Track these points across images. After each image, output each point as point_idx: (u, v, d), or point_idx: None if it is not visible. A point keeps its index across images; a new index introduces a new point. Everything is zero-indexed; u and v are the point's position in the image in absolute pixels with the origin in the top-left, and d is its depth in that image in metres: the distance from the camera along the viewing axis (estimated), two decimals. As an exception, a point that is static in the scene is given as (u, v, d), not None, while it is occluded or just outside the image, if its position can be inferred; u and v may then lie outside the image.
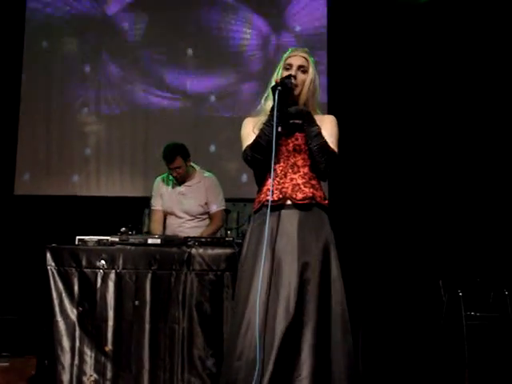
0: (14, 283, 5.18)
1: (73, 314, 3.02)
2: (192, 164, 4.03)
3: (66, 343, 2.99)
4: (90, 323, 3.01)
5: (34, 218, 5.45)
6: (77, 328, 3.00)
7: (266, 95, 2.56)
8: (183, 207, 3.93)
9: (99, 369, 2.97)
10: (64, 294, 3.03)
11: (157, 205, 4.00)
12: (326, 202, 2.51)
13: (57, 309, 3.01)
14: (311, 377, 2.22)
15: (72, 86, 5.69)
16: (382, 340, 4.53)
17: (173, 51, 5.71)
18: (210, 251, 3.08)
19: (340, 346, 2.32)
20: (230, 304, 2.93)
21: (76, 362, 2.98)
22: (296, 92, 2.50)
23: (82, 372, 2.97)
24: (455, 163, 5.47)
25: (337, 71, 5.61)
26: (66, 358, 2.98)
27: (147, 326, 2.99)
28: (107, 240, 3.16)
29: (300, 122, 2.50)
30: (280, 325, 2.25)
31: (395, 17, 5.63)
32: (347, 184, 5.40)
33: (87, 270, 3.06)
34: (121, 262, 3.06)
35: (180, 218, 3.93)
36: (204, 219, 3.99)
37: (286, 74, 2.51)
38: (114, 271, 3.05)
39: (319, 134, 2.46)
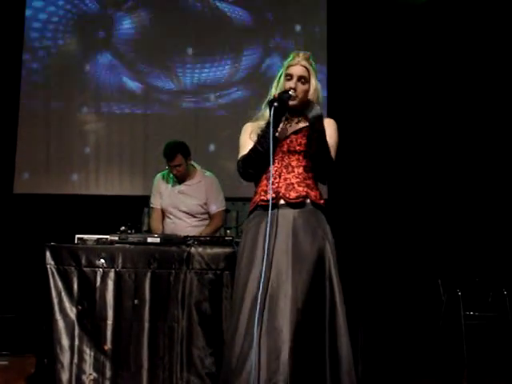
0: (14, 282, 5.17)
1: (72, 312, 3.02)
2: (193, 163, 4.02)
3: (65, 342, 2.99)
4: (90, 322, 3.01)
5: (33, 217, 5.45)
6: (76, 327, 3.00)
7: (266, 101, 2.54)
8: (183, 206, 3.92)
9: (98, 368, 2.97)
10: (63, 293, 3.03)
11: (156, 203, 3.99)
12: (322, 201, 2.50)
13: (56, 307, 3.01)
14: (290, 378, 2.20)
15: (72, 84, 5.68)
16: (381, 340, 4.53)
17: (172, 50, 5.71)
18: (209, 250, 3.08)
19: (338, 346, 2.32)
20: (229, 303, 2.93)
21: (75, 360, 2.98)
22: (296, 102, 2.48)
23: (81, 371, 2.97)
24: (454, 163, 5.47)
25: (336, 71, 5.61)
26: (65, 357, 2.98)
27: (146, 325, 2.99)
28: (106, 239, 3.16)
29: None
30: (272, 323, 2.25)
31: (394, 16, 5.63)
32: (346, 183, 5.39)
33: (86, 269, 3.06)
34: (120, 260, 3.06)
35: (179, 217, 3.93)
36: (203, 219, 3.98)
37: (286, 84, 2.49)
38: (113, 270, 3.05)
39: (328, 147, 2.46)
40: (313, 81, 2.52)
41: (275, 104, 2.39)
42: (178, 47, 5.71)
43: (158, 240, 3.16)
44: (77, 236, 3.18)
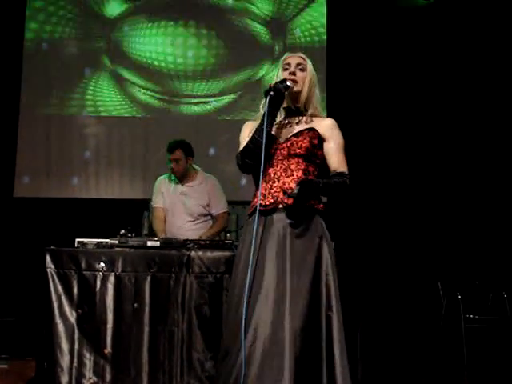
0: (14, 285, 5.17)
1: (72, 316, 3.03)
2: (194, 166, 4.04)
3: (65, 346, 2.99)
4: (90, 326, 3.02)
5: (33, 221, 5.45)
6: (76, 330, 3.01)
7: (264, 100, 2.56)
8: (185, 207, 3.93)
9: (98, 371, 2.97)
10: (63, 297, 3.04)
11: (158, 202, 4.00)
12: (321, 205, 2.49)
13: (56, 311, 3.02)
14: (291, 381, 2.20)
15: (72, 88, 5.69)
16: (381, 342, 4.53)
17: (172, 54, 5.72)
18: (209, 254, 3.09)
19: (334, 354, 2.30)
20: (228, 307, 2.93)
21: (75, 364, 2.98)
22: (297, 89, 2.51)
23: (81, 374, 2.97)
24: (454, 165, 5.47)
25: (336, 71, 5.62)
26: (65, 361, 2.98)
27: (146, 329, 3.00)
28: (106, 242, 3.17)
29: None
30: (265, 329, 2.25)
31: (394, 16, 5.64)
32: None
33: (86, 273, 3.07)
34: (120, 264, 3.07)
35: (181, 218, 3.93)
36: (205, 221, 3.99)
37: (284, 73, 2.52)
38: (113, 274, 3.06)
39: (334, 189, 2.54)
40: (309, 68, 2.57)
41: (271, 93, 2.40)
42: (178, 51, 5.71)
43: (157, 244, 3.16)
44: (77, 240, 3.19)
